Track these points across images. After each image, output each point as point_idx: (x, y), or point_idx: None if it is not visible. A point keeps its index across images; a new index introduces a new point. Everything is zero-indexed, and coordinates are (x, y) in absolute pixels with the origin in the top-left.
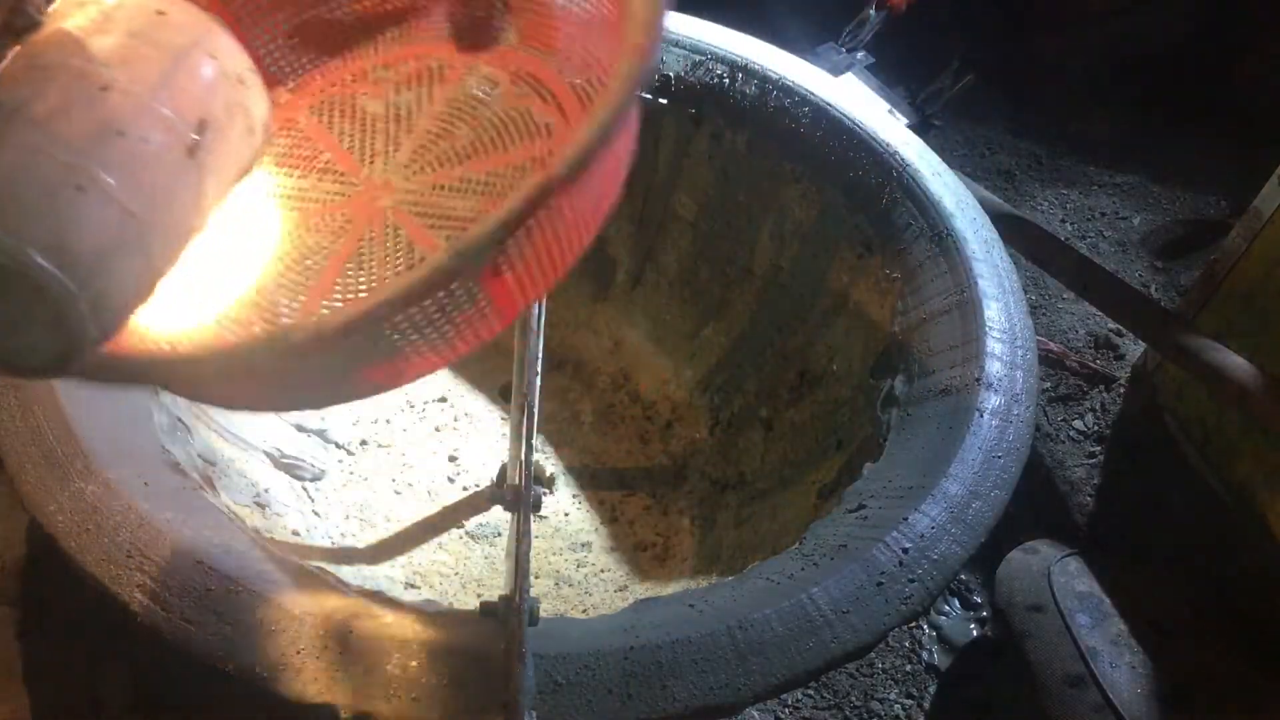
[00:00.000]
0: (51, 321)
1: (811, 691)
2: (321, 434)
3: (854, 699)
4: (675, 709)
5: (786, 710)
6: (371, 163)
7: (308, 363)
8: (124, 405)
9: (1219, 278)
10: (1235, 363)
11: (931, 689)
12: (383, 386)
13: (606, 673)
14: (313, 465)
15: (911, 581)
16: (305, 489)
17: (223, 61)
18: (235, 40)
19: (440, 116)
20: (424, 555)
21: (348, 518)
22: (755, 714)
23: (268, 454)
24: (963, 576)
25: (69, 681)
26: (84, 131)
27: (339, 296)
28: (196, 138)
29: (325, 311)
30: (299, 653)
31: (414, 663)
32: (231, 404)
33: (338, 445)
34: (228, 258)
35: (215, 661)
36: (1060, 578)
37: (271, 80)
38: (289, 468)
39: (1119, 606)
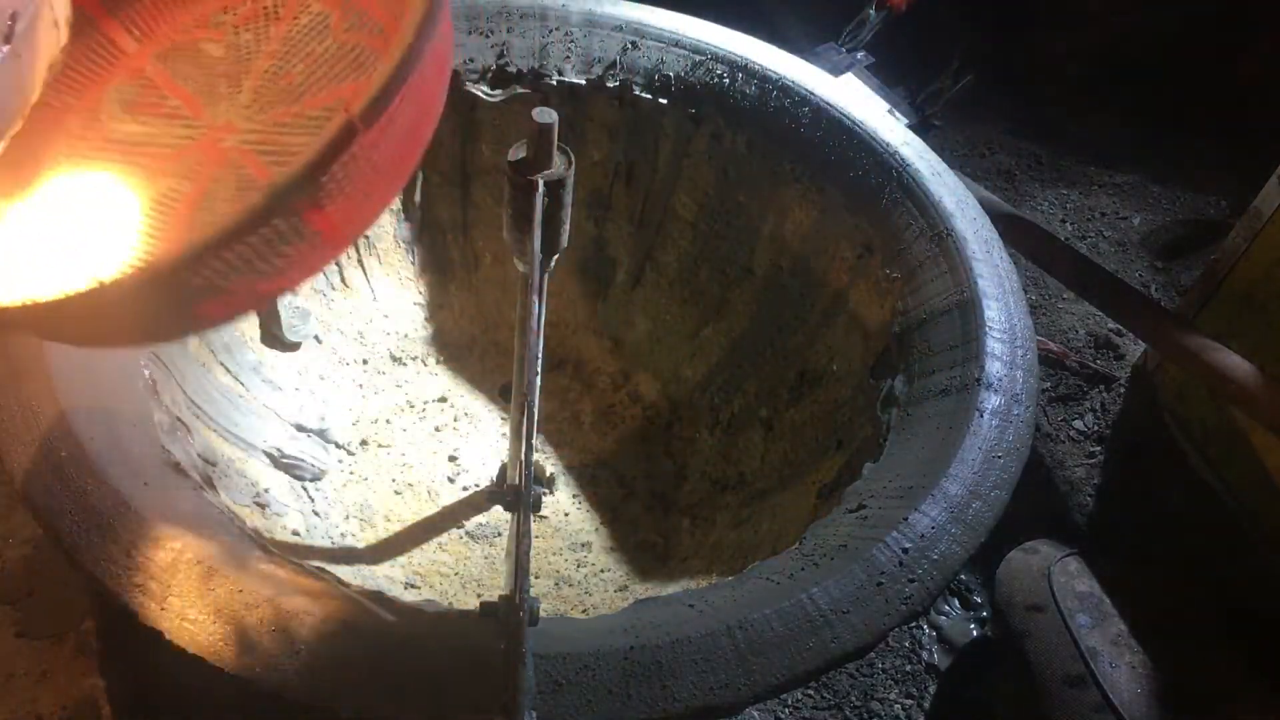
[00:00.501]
0: None
1: (811, 691)
2: (321, 434)
3: (854, 699)
4: (675, 709)
5: (786, 710)
6: (215, 106)
7: (149, 302)
8: (124, 405)
9: (1219, 278)
10: (1235, 363)
11: (931, 689)
12: (224, 319)
13: (606, 673)
14: (313, 465)
15: (911, 581)
16: (305, 489)
17: None
18: None
19: (276, 55)
20: (424, 555)
21: (348, 518)
22: (755, 714)
23: (268, 454)
24: (963, 576)
25: (69, 681)
26: None
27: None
28: (10, 23)
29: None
30: (299, 653)
31: (414, 663)
32: (86, 343)
33: (338, 445)
34: (87, 207)
35: (215, 661)
36: (1060, 578)
37: (118, 29)
38: (289, 468)
39: (1119, 606)
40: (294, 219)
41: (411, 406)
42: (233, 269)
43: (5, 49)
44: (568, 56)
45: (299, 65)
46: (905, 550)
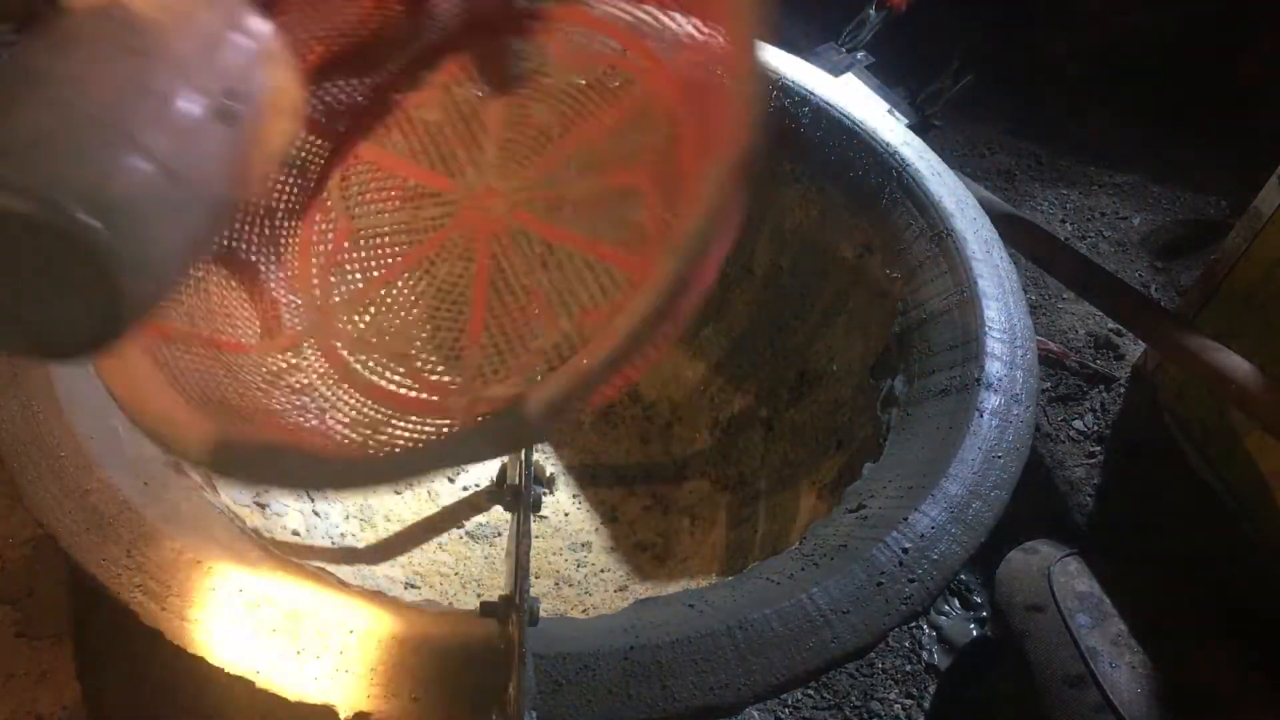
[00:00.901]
0: (89, 285)
1: (811, 691)
2: None
3: (854, 699)
4: (675, 709)
5: (786, 710)
6: (462, 173)
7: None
8: None
9: (1219, 278)
10: (1235, 363)
11: (931, 689)
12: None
13: (606, 673)
14: None
15: (911, 581)
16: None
17: (255, 37)
18: (268, 21)
19: (506, 103)
20: (424, 555)
21: (348, 518)
22: (755, 714)
23: None
24: (963, 576)
25: (69, 681)
26: (114, 89)
27: (496, 322)
28: (229, 103)
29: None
30: (299, 653)
31: (414, 663)
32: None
33: None
34: (366, 316)
35: (215, 661)
36: (1060, 578)
37: (321, 125)
38: None
39: (1119, 606)
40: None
41: None
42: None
43: (223, 128)
44: None
45: (537, 106)
46: (905, 550)
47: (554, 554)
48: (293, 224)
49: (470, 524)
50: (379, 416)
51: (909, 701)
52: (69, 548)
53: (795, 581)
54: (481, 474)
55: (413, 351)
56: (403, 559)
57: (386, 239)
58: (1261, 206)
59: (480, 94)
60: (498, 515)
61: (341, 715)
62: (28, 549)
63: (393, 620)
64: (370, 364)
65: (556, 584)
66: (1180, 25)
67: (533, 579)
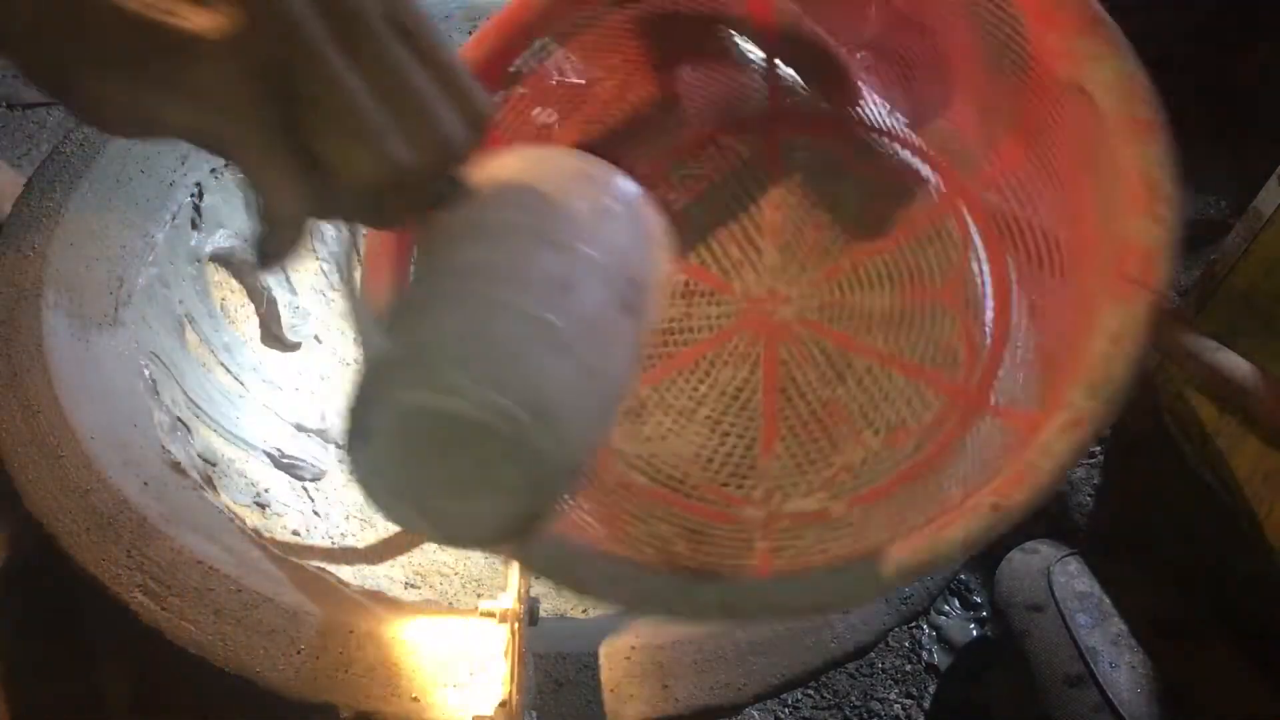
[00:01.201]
0: (513, 482)
1: (811, 691)
2: (322, 434)
3: (854, 699)
4: (675, 709)
5: (786, 710)
6: (739, 273)
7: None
8: (124, 405)
9: (1219, 278)
10: (1235, 363)
11: (931, 689)
12: None
13: (606, 673)
14: (313, 465)
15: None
16: (305, 489)
17: (647, 221)
18: (653, 200)
19: (782, 202)
20: (424, 555)
21: (348, 518)
22: (755, 714)
23: (268, 454)
24: (963, 576)
25: (69, 681)
26: (539, 285)
27: (792, 434)
28: (631, 296)
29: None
30: (299, 653)
31: (414, 663)
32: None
33: (338, 445)
34: (644, 418)
35: (215, 661)
36: (1060, 578)
37: None
38: (289, 468)
39: (1119, 606)
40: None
41: None
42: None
43: (626, 320)
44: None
45: (817, 211)
46: None
47: None
48: None
49: None
50: (668, 529)
51: (909, 701)
52: (69, 548)
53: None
54: None
55: (698, 459)
56: (403, 559)
57: (658, 334)
58: (1261, 206)
59: (751, 192)
60: None
61: (341, 715)
62: (27, 549)
63: (393, 620)
64: (649, 469)
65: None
66: (1181, 25)
67: (533, 579)
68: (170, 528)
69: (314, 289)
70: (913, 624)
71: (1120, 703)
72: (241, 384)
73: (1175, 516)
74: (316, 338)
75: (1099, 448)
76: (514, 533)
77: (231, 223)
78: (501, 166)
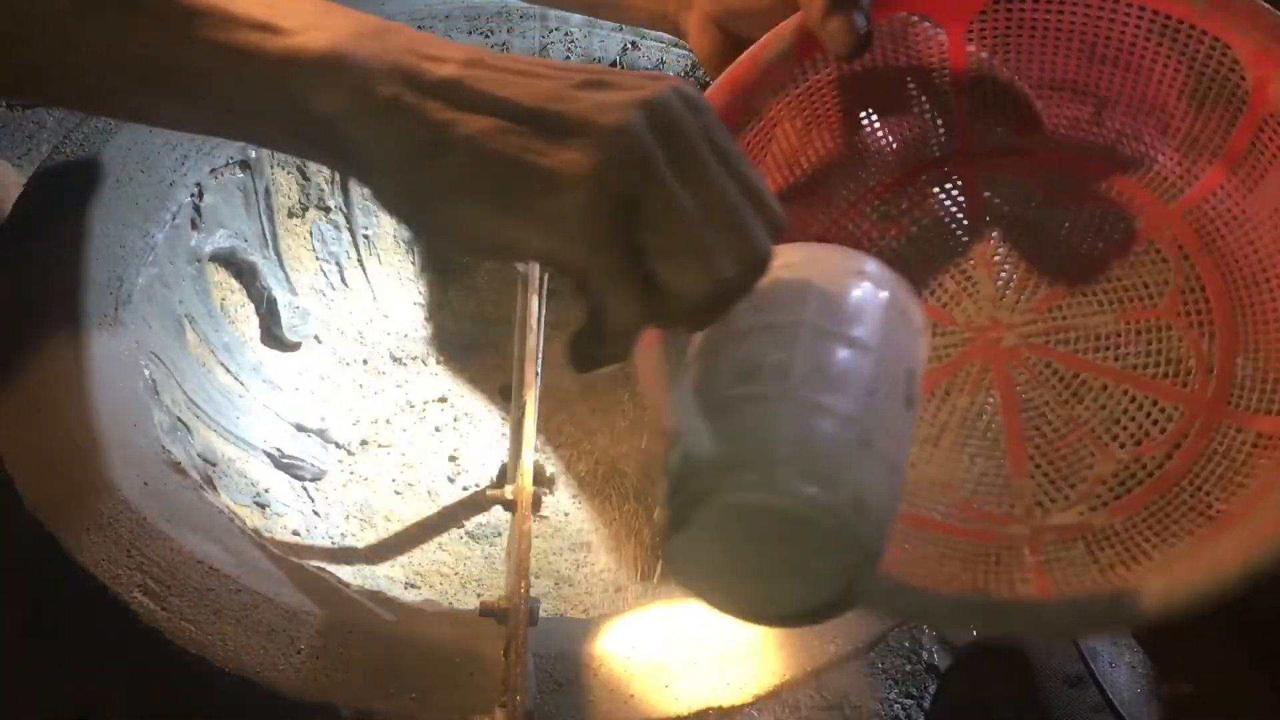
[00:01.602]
0: (833, 569)
1: (811, 691)
2: (321, 434)
3: (854, 699)
4: (675, 709)
5: (786, 710)
6: (957, 304)
7: None
8: (124, 405)
9: None
10: None
11: (931, 689)
12: None
13: (606, 673)
14: (313, 465)
15: None
16: (305, 489)
17: (912, 308)
18: (871, 257)
19: (989, 235)
20: (424, 555)
21: (348, 518)
22: (755, 714)
23: (268, 454)
24: None
25: (67, 683)
26: (845, 386)
27: (1039, 452)
28: (910, 388)
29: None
30: (299, 652)
31: (414, 663)
32: None
33: (338, 445)
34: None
35: (215, 661)
36: None
37: None
38: (289, 468)
39: None
40: None
41: (411, 406)
42: None
43: (908, 414)
44: (568, 56)
45: (1030, 245)
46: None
47: (554, 554)
48: None
49: (470, 524)
50: (934, 550)
51: (909, 701)
52: (69, 548)
53: None
54: (481, 474)
55: (950, 485)
56: (403, 559)
57: None
58: None
59: (956, 228)
60: (498, 515)
61: (342, 715)
62: (28, 549)
63: (393, 620)
64: (907, 499)
65: (556, 584)
66: None
67: (533, 579)
68: (170, 528)
69: (314, 289)
70: (913, 624)
71: (1120, 703)
72: (241, 384)
73: None
74: (316, 338)
75: None
76: (820, 614)
77: (231, 223)
78: (781, 265)
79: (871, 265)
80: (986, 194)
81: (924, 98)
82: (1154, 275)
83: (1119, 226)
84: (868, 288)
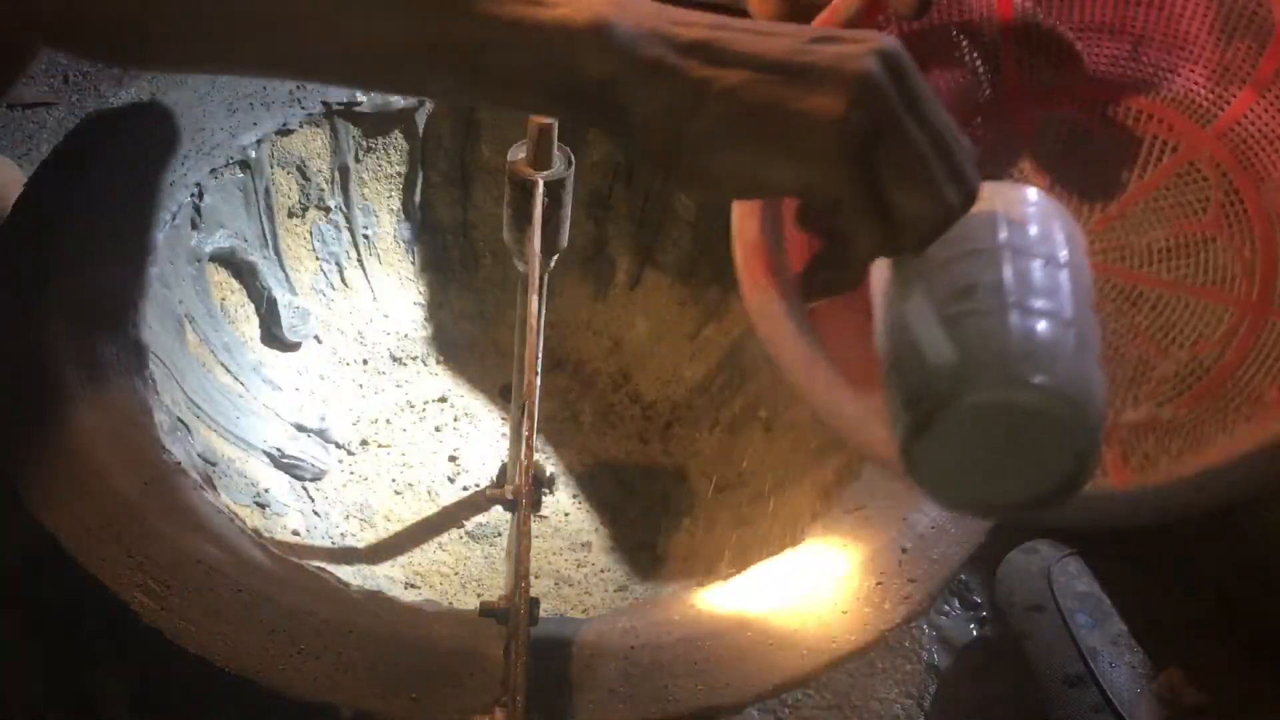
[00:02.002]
0: (1064, 456)
1: (811, 691)
2: (321, 434)
3: (854, 699)
4: (676, 709)
5: (786, 710)
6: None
7: None
8: (123, 405)
9: None
10: None
11: (931, 689)
12: None
13: (606, 673)
14: (313, 465)
15: (911, 581)
16: (305, 489)
17: (1078, 230)
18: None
19: (1042, 168)
20: (424, 555)
21: (348, 518)
22: (755, 714)
23: (268, 454)
24: (963, 576)
25: (69, 682)
26: (1057, 298)
27: (1106, 358)
28: (1093, 296)
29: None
30: (299, 653)
31: (414, 663)
32: None
33: (338, 445)
34: None
35: (215, 661)
36: (1060, 578)
37: None
38: (289, 468)
39: (1119, 606)
40: None
41: (411, 406)
42: None
43: (1097, 318)
44: None
45: (1082, 173)
46: (904, 550)
47: (554, 554)
48: None
49: (470, 524)
50: None
51: (909, 701)
52: (69, 548)
53: (795, 581)
54: (481, 474)
55: None
56: (403, 559)
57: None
58: None
59: (1012, 164)
60: (498, 515)
61: (342, 715)
62: (28, 549)
63: (393, 620)
64: None
65: (556, 584)
66: None
67: (533, 579)
68: (170, 528)
69: (314, 289)
70: (913, 624)
71: (1120, 703)
72: (241, 384)
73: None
74: (316, 338)
75: None
76: (1049, 500)
77: (231, 223)
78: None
79: (1036, 194)
80: (1037, 131)
81: (974, 49)
82: (1196, 194)
83: (1161, 152)
84: (1044, 212)
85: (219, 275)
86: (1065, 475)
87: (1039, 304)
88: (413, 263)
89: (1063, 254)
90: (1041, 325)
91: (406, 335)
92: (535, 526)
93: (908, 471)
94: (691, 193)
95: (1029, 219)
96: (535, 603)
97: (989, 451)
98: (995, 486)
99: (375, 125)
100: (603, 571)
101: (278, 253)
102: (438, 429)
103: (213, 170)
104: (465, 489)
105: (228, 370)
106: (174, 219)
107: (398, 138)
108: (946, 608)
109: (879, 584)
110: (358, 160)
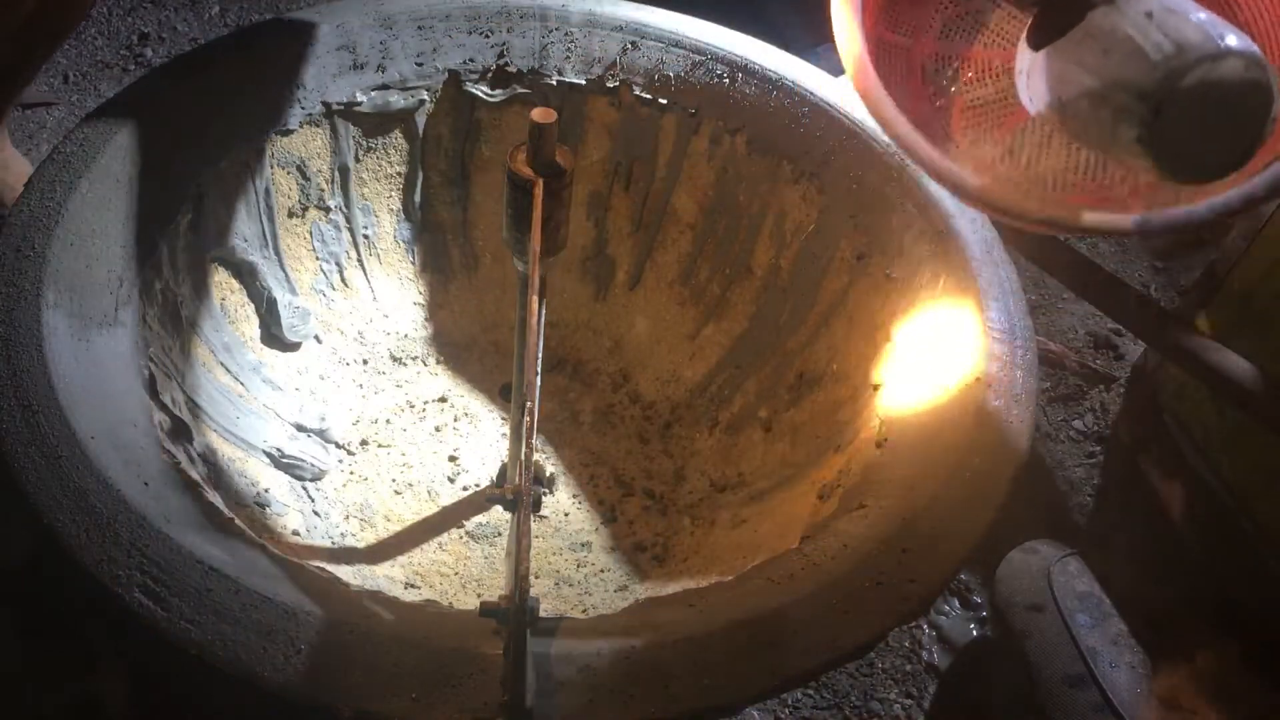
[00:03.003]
0: (1258, 118)
1: (811, 691)
2: (321, 434)
3: (854, 699)
4: (676, 709)
5: (786, 710)
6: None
7: None
8: (124, 405)
9: (1219, 278)
10: (1235, 363)
11: (931, 689)
12: None
13: (606, 673)
14: (313, 465)
15: (911, 581)
16: (305, 489)
17: None
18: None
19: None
20: (424, 555)
21: (348, 518)
22: (755, 714)
23: (268, 454)
24: (963, 576)
25: (68, 682)
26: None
27: None
28: None
29: None
30: (299, 652)
31: (414, 663)
32: None
33: (338, 445)
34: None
35: (215, 662)
36: (1060, 578)
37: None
38: (289, 468)
39: (1119, 606)
40: None
41: (411, 406)
42: None
43: None
44: (568, 56)
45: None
46: (905, 550)
47: (554, 554)
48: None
49: (470, 524)
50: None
51: (909, 701)
52: (69, 548)
53: (795, 581)
54: (482, 474)
55: (1064, 168)
56: (403, 559)
57: (995, 105)
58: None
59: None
60: (498, 515)
61: (342, 715)
62: (28, 549)
63: (393, 620)
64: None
65: (556, 584)
66: None
67: (533, 579)
68: (170, 528)
69: (314, 289)
70: (913, 624)
71: (1120, 703)
72: (241, 384)
73: (1175, 516)
74: (316, 338)
75: (1099, 447)
76: (1245, 160)
77: (231, 223)
78: None
79: None
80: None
81: None
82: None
83: None
84: None
85: (219, 275)
86: (1255, 138)
87: (1227, 27)
88: (413, 263)
89: None
90: (1236, 34)
91: (406, 335)
92: (535, 526)
93: (1147, 154)
94: None
95: None
96: (535, 602)
97: (1203, 123)
98: (1210, 152)
99: (375, 125)
100: (603, 571)
101: (278, 253)
102: (438, 429)
103: (213, 170)
104: (465, 489)
105: (228, 370)
106: (174, 219)
107: (398, 138)
108: (946, 608)
109: (879, 584)
110: (358, 160)
